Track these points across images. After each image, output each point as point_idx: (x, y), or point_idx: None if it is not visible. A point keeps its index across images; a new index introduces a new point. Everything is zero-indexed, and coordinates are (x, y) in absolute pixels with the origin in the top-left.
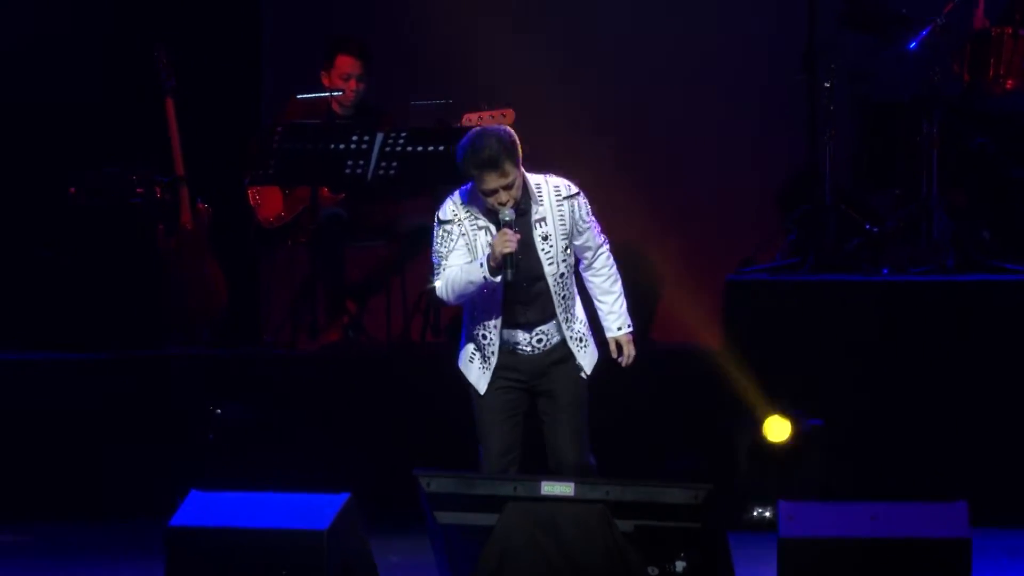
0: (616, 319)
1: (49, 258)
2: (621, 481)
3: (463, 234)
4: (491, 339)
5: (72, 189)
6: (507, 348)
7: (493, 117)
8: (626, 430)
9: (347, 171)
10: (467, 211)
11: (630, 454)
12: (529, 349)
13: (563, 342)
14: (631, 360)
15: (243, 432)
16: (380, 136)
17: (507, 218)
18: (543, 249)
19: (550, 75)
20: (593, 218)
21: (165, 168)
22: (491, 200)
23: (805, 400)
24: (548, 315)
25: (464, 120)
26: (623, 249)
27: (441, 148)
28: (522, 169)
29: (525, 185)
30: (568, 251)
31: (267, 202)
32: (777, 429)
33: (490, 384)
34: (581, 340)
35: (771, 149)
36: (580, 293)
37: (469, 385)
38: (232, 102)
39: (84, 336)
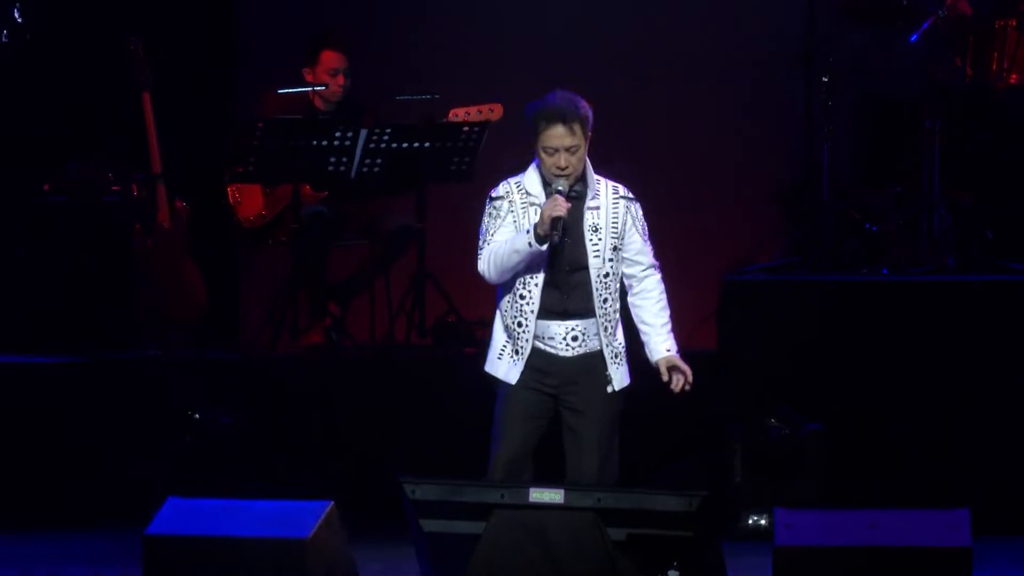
0: (664, 341)
1: (23, 258)
2: (612, 488)
3: (511, 211)
4: (526, 326)
5: (46, 186)
6: (540, 343)
7: (481, 112)
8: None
9: (330, 168)
10: (519, 189)
11: (622, 460)
12: (563, 347)
13: (600, 351)
14: (689, 378)
15: (222, 437)
16: (364, 132)
17: (560, 187)
18: (591, 240)
19: (542, 71)
20: (648, 235)
21: (142, 165)
22: (550, 162)
23: (803, 403)
24: (586, 310)
25: (451, 116)
26: None
27: (427, 145)
28: (587, 150)
29: (585, 173)
30: (616, 253)
31: (247, 200)
32: (772, 433)
33: (520, 377)
34: (617, 356)
35: (769, 146)
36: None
37: (496, 382)
38: (211, 97)
39: (58, 338)
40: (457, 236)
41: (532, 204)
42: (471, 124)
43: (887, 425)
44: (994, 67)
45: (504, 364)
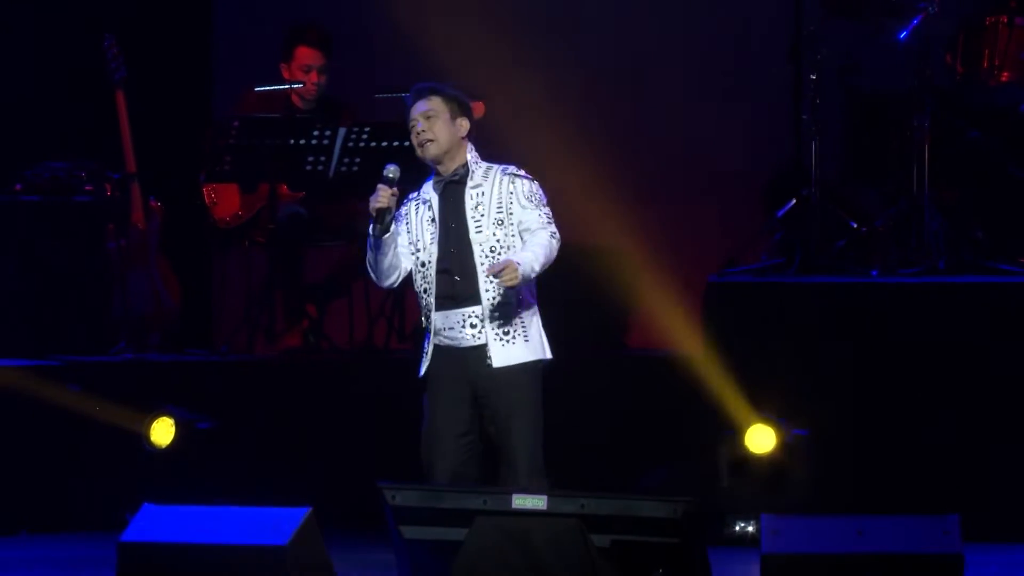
0: (515, 255)
1: None
2: (597, 494)
3: (406, 214)
4: (430, 315)
5: (18, 186)
6: (444, 337)
7: None
8: (603, 440)
9: (308, 168)
10: (416, 200)
11: (606, 465)
12: (463, 336)
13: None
14: (497, 272)
15: (198, 443)
16: (343, 131)
17: (389, 174)
18: (472, 217)
19: (525, 68)
20: (544, 208)
21: (115, 164)
22: (412, 136)
23: (790, 408)
24: (476, 291)
25: None
26: (599, 249)
27: (407, 144)
28: (462, 133)
29: (464, 158)
30: (502, 228)
31: (223, 200)
32: (761, 439)
33: (437, 387)
34: (507, 334)
35: (755, 145)
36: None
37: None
38: (186, 95)
39: (28, 341)
40: None
41: (424, 202)
42: None
43: (875, 430)
44: (985, 64)
45: (424, 360)
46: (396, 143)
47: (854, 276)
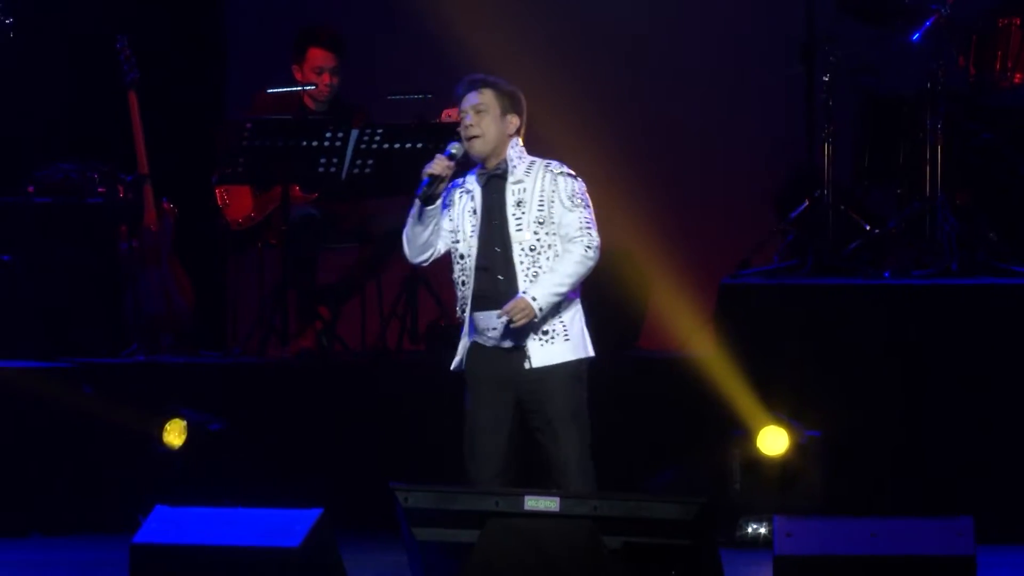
0: (533, 287)
1: (7, 261)
2: (609, 495)
3: (450, 199)
4: (468, 310)
5: (31, 187)
6: (480, 339)
7: None
8: (615, 442)
9: (320, 169)
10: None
11: (619, 467)
12: (498, 337)
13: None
14: (510, 316)
15: (211, 445)
16: (355, 133)
17: (452, 150)
18: (513, 214)
19: (537, 70)
20: (586, 210)
21: (128, 166)
22: (461, 130)
23: (803, 410)
24: (515, 291)
25: (443, 116)
26: (612, 251)
27: (419, 145)
28: (511, 130)
29: (507, 151)
30: (542, 227)
31: (236, 202)
32: (773, 440)
33: (480, 390)
34: (546, 334)
35: (768, 146)
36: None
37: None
38: (199, 96)
39: (41, 343)
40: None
41: (468, 191)
42: None
43: (888, 431)
44: (998, 66)
45: (459, 353)
46: (409, 145)
47: (867, 278)
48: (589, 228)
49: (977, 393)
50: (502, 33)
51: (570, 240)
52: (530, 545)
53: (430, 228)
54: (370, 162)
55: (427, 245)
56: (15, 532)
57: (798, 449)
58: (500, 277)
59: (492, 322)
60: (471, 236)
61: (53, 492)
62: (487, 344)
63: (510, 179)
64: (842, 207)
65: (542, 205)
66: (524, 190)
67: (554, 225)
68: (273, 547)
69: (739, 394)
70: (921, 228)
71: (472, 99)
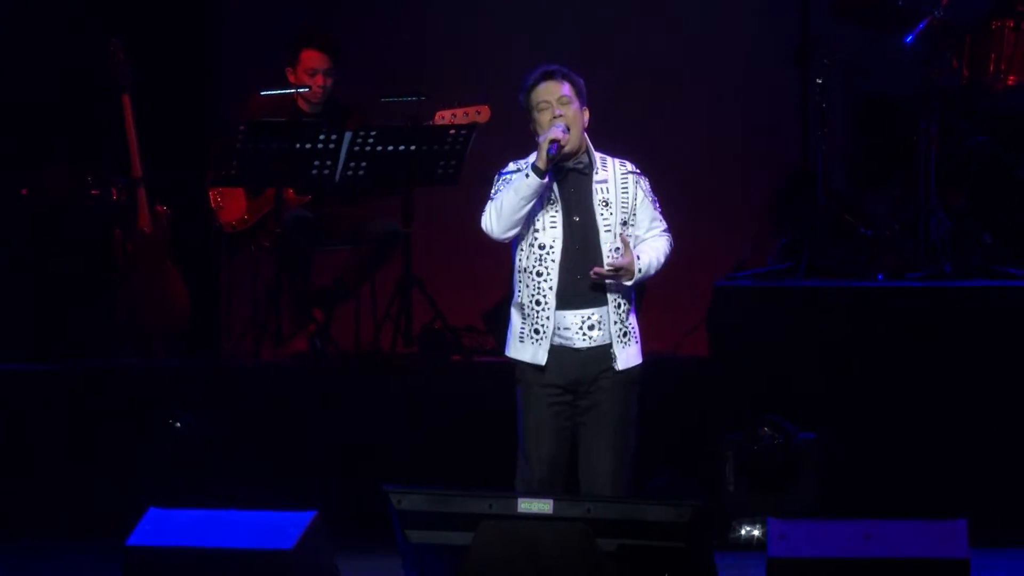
0: (639, 250)
1: (1, 265)
2: (603, 498)
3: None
4: (545, 305)
5: (24, 190)
6: (556, 336)
7: (468, 115)
8: None
9: (314, 172)
10: (527, 166)
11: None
12: (579, 337)
13: (611, 342)
14: (617, 267)
15: (204, 447)
16: (348, 135)
17: (559, 125)
18: (601, 215)
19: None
20: (659, 208)
21: (122, 168)
22: (544, 117)
23: (796, 412)
24: (599, 294)
25: (437, 118)
26: None
27: (412, 148)
28: (585, 124)
29: (588, 148)
30: (625, 228)
31: (229, 204)
32: (767, 442)
33: (540, 384)
34: (626, 336)
35: (762, 149)
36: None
37: (520, 368)
38: (192, 99)
39: (35, 345)
40: (444, 241)
41: None
42: (458, 126)
43: (882, 434)
44: (991, 68)
45: (528, 347)
46: (402, 147)
47: (861, 280)
48: (669, 233)
49: (971, 396)
50: (494, 33)
51: (654, 238)
52: (524, 547)
53: (534, 203)
54: (364, 164)
55: (521, 220)
56: (9, 533)
57: (792, 451)
58: (580, 277)
59: (571, 320)
60: (551, 227)
61: (47, 494)
62: (561, 343)
63: (595, 177)
64: (836, 209)
65: (625, 206)
66: (608, 190)
67: (635, 227)
68: (267, 549)
69: (733, 396)
70: (915, 230)
71: (555, 90)
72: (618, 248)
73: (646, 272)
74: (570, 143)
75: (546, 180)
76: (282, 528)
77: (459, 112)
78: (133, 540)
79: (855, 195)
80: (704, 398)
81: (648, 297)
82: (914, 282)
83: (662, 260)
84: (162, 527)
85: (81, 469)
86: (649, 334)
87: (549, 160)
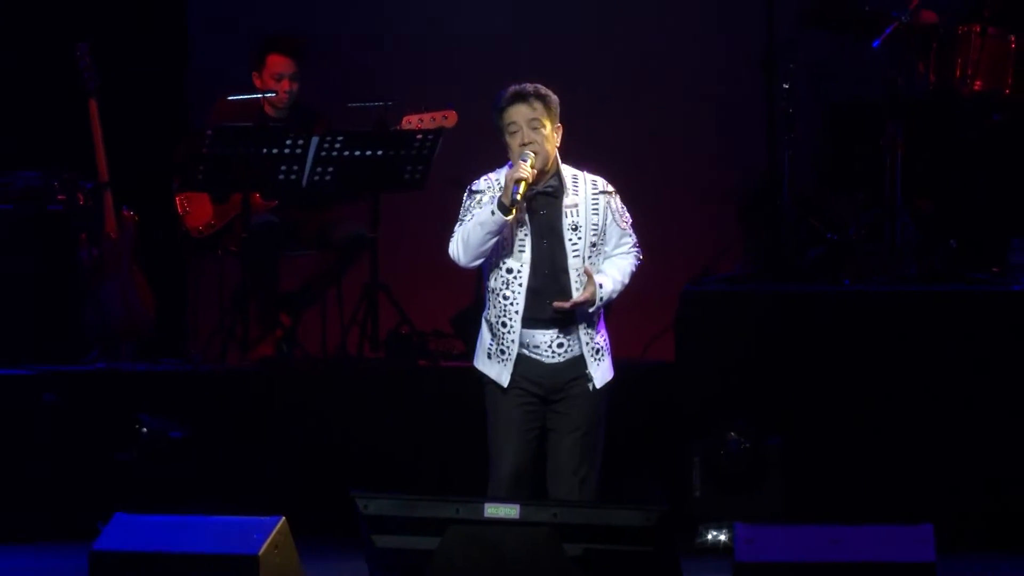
0: (599, 274)
1: None
2: (570, 502)
3: (492, 202)
4: (511, 327)
5: None
6: (526, 350)
7: (435, 119)
8: None
9: (280, 177)
10: (498, 183)
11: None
12: (548, 354)
13: (581, 354)
14: (571, 303)
15: (170, 452)
16: (315, 140)
17: (525, 158)
18: (570, 239)
19: (498, 78)
20: (630, 224)
21: (88, 173)
22: (515, 142)
23: (763, 417)
24: (568, 315)
25: (404, 123)
26: None
27: (380, 153)
28: (558, 143)
29: (559, 170)
30: (594, 249)
31: (196, 209)
32: (734, 446)
33: (510, 384)
34: (598, 353)
35: (729, 153)
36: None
37: (488, 383)
38: (159, 104)
39: (2, 350)
40: (410, 246)
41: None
42: (425, 132)
43: (849, 438)
44: (958, 74)
45: (495, 365)
46: (369, 152)
47: (827, 285)
48: (638, 248)
49: (937, 399)
50: (461, 39)
51: (620, 255)
52: (490, 552)
53: (500, 236)
54: (331, 169)
55: (488, 251)
56: None
57: (759, 456)
58: (548, 301)
59: (540, 338)
60: (520, 252)
61: (11, 499)
62: (531, 356)
63: (565, 200)
64: (802, 214)
65: (595, 229)
66: (577, 212)
67: (605, 246)
68: (233, 554)
69: (700, 400)
70: (881, 235)
71: (525, 112)
72: (586, 272)
73: (608, 298)
74: (539, 164)
75: (511, 217)
76: (249, 533)
77: (426, 117)
78: (99, 545)
79: (822, 199)
80: (671, 403)
81: (615, 302)
82: (880, 286)
83: (626, 281)
84: (128, 532)
85: (46, 474)
86: (616, 339)
87: (514, 203)
